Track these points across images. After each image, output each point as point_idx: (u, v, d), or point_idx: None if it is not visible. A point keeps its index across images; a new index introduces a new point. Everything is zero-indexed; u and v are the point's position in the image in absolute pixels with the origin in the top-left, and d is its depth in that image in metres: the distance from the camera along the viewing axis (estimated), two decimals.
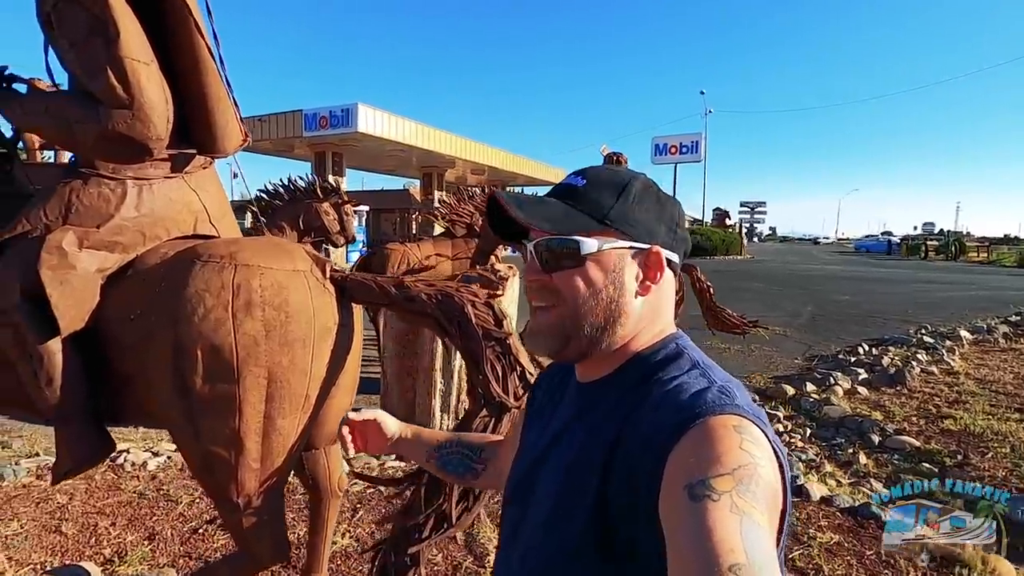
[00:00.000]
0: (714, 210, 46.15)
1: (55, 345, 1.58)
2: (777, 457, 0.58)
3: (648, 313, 0.73)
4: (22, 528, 2.82)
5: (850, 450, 4.29)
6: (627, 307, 0.72)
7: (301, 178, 5.34)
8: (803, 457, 4.16)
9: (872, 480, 3.86)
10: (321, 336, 1.67)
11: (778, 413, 5.08)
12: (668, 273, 0.74)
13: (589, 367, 0.77)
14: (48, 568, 2.48)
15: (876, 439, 4.44)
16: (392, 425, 1.11)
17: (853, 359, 6.79)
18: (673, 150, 32.90)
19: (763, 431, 0.59)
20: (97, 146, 1.57)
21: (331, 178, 5.30)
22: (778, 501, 0.56)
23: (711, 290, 5.40)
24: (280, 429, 1.62)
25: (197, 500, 3.15)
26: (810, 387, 5.62)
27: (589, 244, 0.70)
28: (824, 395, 5.41)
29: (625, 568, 0.62)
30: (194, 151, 1.79)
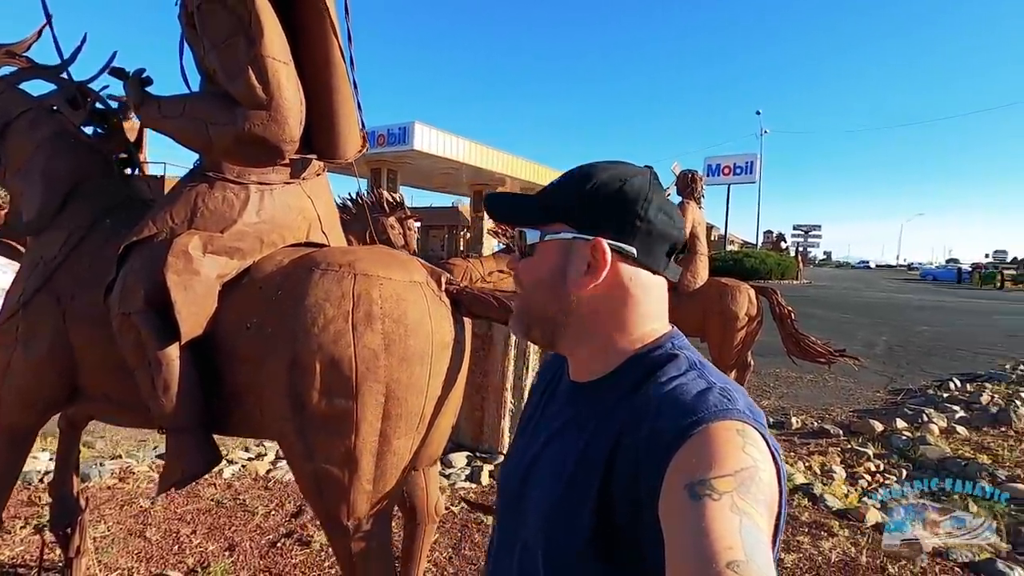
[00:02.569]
0: (764, 233, 44.74)
1: (174, 352, 1.54)
2: (775, 462, 0.57)
3: (616, 309, 0.70)
4: (109, 531, 2.85)
5: (955, 496, 3.88)
6: (572, 298, 0.70)
7: (368, 192, 5.60)
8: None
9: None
10: (438, 353, 1.58)
11: (867, 451, 4.70)
12: (640, 271, 0.70)
13: (581, 366, 0.74)
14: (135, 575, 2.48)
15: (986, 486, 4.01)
16: None
17: (945, 395, 6.25)
18: (726, 171, 32.03)
19: (763, 435, 0.58)
20: (232, 149, 1.53)
21: (387, 193, 5.44)
22: (775, 505, 0.55)
23: (792, 315, 5.08)
24: (395, 449, 1.53)
25: (273, 512, 3.12)
26: (900, 423, 5.19)
27: (531, 234, 0.72)
28: (918, 433, 4.97)
29: (628, 572, 0.61)
30: (313, 156, 1.74)
